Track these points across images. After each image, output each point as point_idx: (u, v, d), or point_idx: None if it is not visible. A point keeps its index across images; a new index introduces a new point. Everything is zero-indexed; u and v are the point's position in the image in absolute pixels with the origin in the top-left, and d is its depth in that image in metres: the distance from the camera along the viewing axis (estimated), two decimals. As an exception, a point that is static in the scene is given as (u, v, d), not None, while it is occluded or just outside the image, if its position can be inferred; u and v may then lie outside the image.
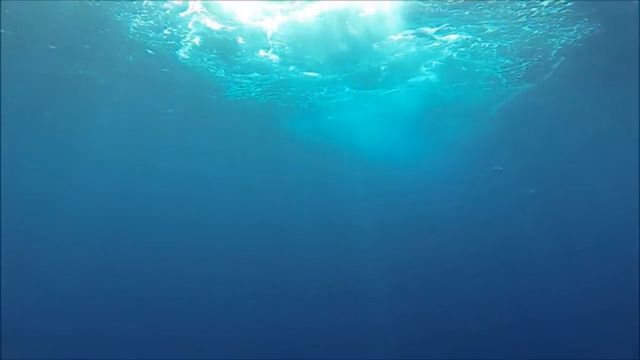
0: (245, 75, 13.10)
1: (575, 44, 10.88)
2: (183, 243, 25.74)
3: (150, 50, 11.32)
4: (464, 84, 14.15)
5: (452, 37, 11.17)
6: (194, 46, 11.24)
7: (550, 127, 18.34)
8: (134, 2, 9.11)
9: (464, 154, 23.05)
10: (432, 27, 10.30)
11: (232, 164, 22.85)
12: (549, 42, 10.88)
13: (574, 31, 10.33)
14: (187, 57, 11.81)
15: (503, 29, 10.69)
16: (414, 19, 10.01)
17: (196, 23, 10.08)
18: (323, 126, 18.07)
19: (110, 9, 9.38)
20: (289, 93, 14.45)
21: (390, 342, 18.38)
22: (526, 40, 10.91)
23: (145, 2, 9.17)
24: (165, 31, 10.43)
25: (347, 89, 14.39)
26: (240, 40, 10.93)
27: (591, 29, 10.23)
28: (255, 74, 13.09)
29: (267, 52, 11.50)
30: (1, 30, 10.12)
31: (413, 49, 11.75)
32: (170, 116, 16.27)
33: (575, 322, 17.96)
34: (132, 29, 10.36)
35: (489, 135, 19.91)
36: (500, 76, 13.36)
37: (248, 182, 25.14)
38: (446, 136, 20.30)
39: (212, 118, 16.50)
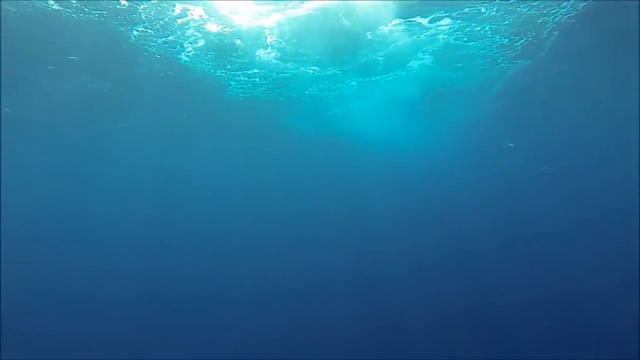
0: (245, 73, 13.40)
1: (568, 20, 10.97)
2: (190, 241, 25.84)
3: (155, 56, 11.71)
4: (461, 65, 14.29)
5: (446, 22, 11.33)
6: (195, 49, 11.58)
7: (551, 102, 18.36)
8: (134, 15, 9.47)
9: (469, 134, 23.06)
10: (425, 17, 10.49)
11: (241, 161, 23.13)
12: (542, 20, 10.99)
13: (567, 8, 10.43)
14: (189, 60, 12.16)
15: (497, 11, 10.82)
16: (408, 8, 10.20)
17: (195, 28, 10.41)
18: (327, 119, 18.29)
19: (113, 22, 9.76)
20: (290, 89, 14.74)
21: (419, 323, 18.59)
22: (520, 20, 11.04)
23: (144, 14, 9.52)
24: (163, 39, 10.80)
25: (346, 81, 14.63)
26: (238, 42, 11.24)
27: (584, 4, 10.32)
28: (256, 72, 13.38)
29: (265, 50, 11.79)
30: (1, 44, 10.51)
31: (409, 38, 11.94)
32: (180, 118, 16.68)
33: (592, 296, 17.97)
34: (133, 38, 10.75)
35: (493, 114, 19.96)
36: (496, 55, 13.49)
37: (259, 179, 25.19)
38: (450, 118, 20.37)
39: (218, 117, 16.90)
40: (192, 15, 9.68)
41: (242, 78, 13.79)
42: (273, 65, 12.89)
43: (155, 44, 11.12)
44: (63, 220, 24.22)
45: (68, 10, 9.22)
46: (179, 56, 11.94)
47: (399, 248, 24.95)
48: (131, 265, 22.65)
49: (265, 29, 10.51)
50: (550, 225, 24.49)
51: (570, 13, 10.55)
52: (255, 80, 14.00)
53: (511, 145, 21.38)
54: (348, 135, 21.08)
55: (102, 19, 9.56)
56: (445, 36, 12.11)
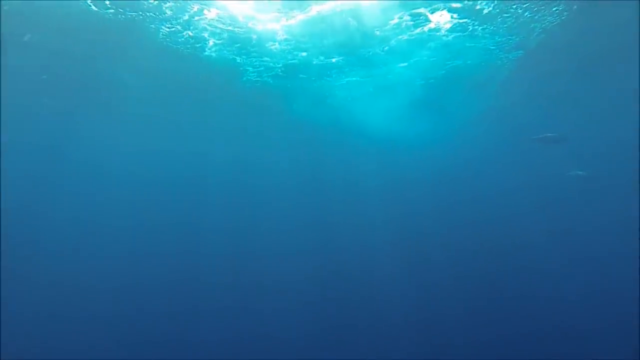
0: (259, 60, 14.59)
1: (553, 27, 11.89)
2: (196, 231, 24.95)
3: (180, 50, 13.20)
4: (462, 57, 15.13)
5: (447, 18, 12.26)
6: (215, 42, 12.99)
7: (554, 96, 19.01)
8: (160, 15, 10.91)
9: (477, 129, 23.12)
10: (426, 8, 11.45)
11: (251, 150, 23.60)
12: (532, 25, 11.91)
13: (554, 16, 11.35)
14: (212, 51, 13.56)
15: (495, 9, 11.70)
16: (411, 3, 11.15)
17: (212, 25, 11.77)
18: (333, 109, 19.27)
19: (145, 22, 11.24)
20: (297, 77, 15.93)
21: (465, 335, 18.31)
22: (515, 24, 12.00)
23: (169, 10, 10.95)
24: (187, 32, 12.23)
25: (352, 72, 15.77)
26: (253, 37, 12.55)
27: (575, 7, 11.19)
28: (268, 60, 14.56)
29: (274, 44, 13.07)
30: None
31: (413, 30, 12.89)
32: (199, 107, 18.25)
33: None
34: (161, 35, 12.23)
35: (497, 110, 20.52)
36: (493, 48, 14.32)
37: (265, 168, 25.39)
38: (454, 113, 20.94)
39: (234, 105, 18.40)
40: (207, 15, 11.02)
41: (257, 62, 14.93)
42: (284, 54, 14.08)
43: (181, 39, 12.57)
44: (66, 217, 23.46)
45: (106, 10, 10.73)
46: (202, 50, 13.36)
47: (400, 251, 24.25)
48: (136, 260, 22.00)
49: (277, 30, 11.79)
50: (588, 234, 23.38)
51: (556, 21, 11.48)
52: (269, 64, 15.07)
53: (540, 136, 20.02)
54: (353, 128, 21.40)
55: (135, 18, 11.03)
56: (447, 33, 13.08)
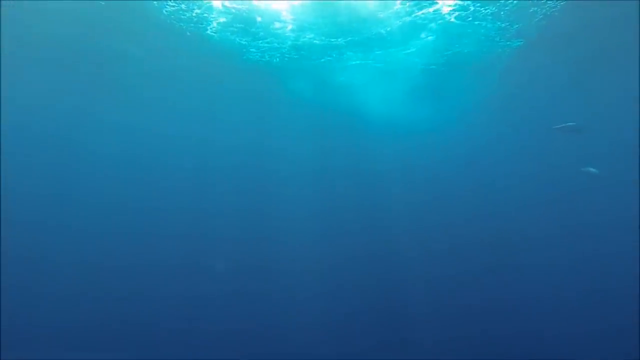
0: (264, 40, 14.63)
1: (554, 13, 11.94)
2: (198, 210, 24.86)
3: (182, 29, 13.24)
4: (464, 42, 15.16)
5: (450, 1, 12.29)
6: (219, 23, 13.03)
7: (554, 87, 19.09)
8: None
9: (477, 117, 23.16)
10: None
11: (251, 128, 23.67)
12: (532, 10, 11.95)
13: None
14: (214, 32, 13.61)
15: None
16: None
17: (219, 4, 11.82)
18: (334, 90, 19.37)
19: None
20: (301, 60, 16.05)
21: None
22: (515, 8, 12.06)
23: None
24: (195, 10, 12.27)
25: (353, 53, 15.83)
26: (257, 17, 12.61)
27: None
28: (272, 40, 14.59)
29: (280, 24, 13.13)
30: None
31: (416, 14, 12.94)
32: (201, 87, 18.32)
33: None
34: (165, 12, 12.26)
35: (498, 98, 20.61)
36: (494, 35, 14.39)
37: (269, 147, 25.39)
38: (455, 100, 21.04)
39: (234, 83, 18.45)
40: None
41: (261, 42, 14.94)
42: (287, 35, 14.14)
43: (184, 18, 12.61)
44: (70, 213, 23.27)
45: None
46: (205, 29, 13.41)
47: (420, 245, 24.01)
48: (134, 257, 21.88)
49: (282, 10, 11.86)
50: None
51: (556, 7, 11.54)
52: (274, 45, 15.11)
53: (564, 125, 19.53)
54: (355, 110, 21.43)
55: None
56: (448, 16, 13.12)
